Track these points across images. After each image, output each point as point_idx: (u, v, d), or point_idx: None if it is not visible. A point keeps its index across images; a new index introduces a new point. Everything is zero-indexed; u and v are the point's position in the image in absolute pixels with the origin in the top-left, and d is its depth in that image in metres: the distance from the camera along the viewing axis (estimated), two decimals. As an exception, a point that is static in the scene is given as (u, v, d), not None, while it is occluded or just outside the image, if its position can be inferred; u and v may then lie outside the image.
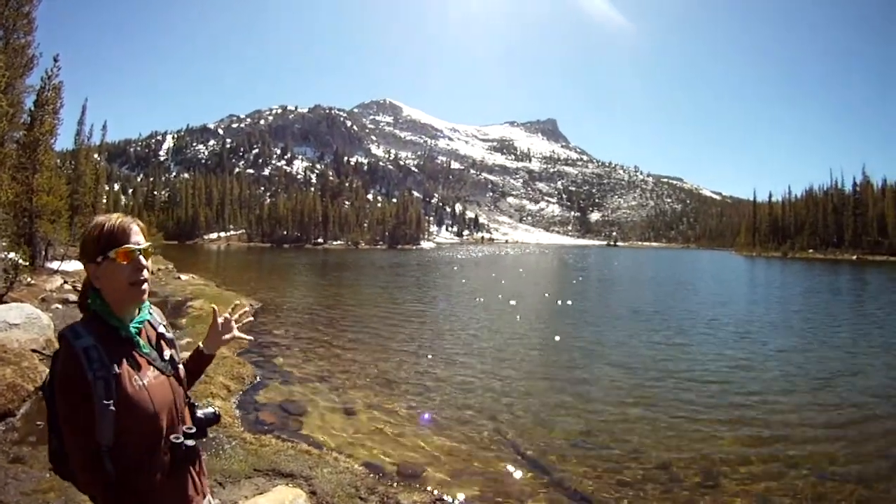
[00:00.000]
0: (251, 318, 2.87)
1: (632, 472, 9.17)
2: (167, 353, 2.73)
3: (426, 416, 11.58)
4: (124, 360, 2.50)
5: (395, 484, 8.21)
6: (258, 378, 13.72)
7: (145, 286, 2.65)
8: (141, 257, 2.62)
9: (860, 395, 13.96)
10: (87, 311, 2.62)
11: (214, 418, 2.88)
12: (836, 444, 10.52)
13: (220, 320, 3.04)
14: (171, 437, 2.58)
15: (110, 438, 2.37)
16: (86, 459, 2.37)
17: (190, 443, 2.63)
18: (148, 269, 2.67)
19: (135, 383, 2.48)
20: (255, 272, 55.97)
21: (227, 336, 3.07)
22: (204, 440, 2.85)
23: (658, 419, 11.75)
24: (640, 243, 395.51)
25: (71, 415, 2.37)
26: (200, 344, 3.03)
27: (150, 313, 2.80)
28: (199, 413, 2.85)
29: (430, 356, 17.22)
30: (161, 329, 2.79)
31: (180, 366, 2.80)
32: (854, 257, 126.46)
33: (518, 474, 8.94)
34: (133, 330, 2.62)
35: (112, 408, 2.36)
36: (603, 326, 24.09)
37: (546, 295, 38.25)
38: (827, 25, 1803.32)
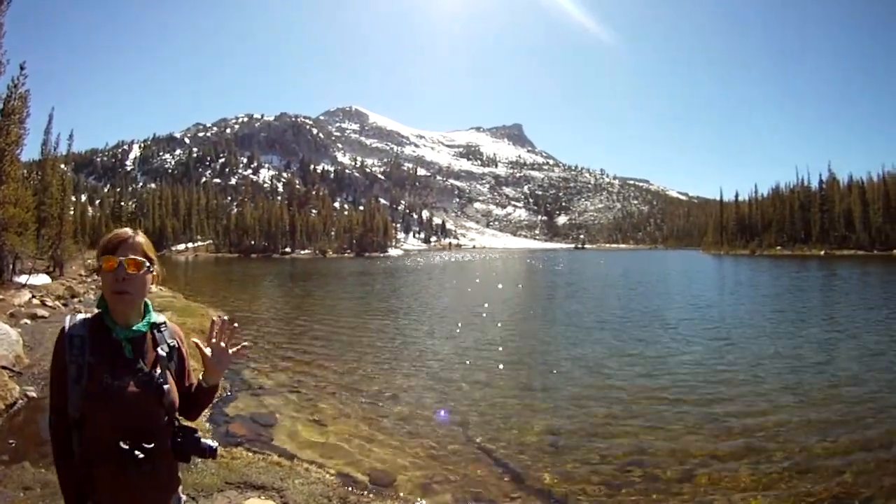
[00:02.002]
0: (235, 325, 2.26)
1: (606, 472, 9.22)
2: (157, 370, 2.82)
3: (396, 423, 11.55)
4: (104, 358, 2.68)
5: (367, 493, 8.21)
6: (228, 390, 13.65)
7: (126, 297, 2.77)
8: (126, 268, 2.74)
9: (833, 388, 14.10)
10: (97, 311, 2.83)
11: (206, 450, 2.92)
12: (811, 438, 10.62)
13: (207, 351, 3.02)
14: (121, 443, 2.64)
15: (76, 413, 2.61)
16: (56, 424, 2.67)
17: (140, 454, 2.66)
18: (132, 281, 2.78)
19: (104, 381, 2.64)
20: (222, 283, 55.88)
21: (224, 361, 3.06)
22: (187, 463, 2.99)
23: (631, 419, 11.81)
24: (607, 245, 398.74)
25: (52, 383, 2.68)
26: (200, 376, 3.07)
27: (161, 330, 2.95)
28: (203, 442, 2.92)
29: (399, 364, 17.26)
30: (160, 349, 2.89)
31: (166, 386, 2.84)
32: (822, 252, 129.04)
33: (491, 479, 8.96)
34: (124, 335, 2.77)
35: (78, 390, 2.60)
36: (574, 330, 24.10)
37: (516, 300, 38.43)
38: (789, 25, 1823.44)
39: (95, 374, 2.65)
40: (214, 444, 2.98)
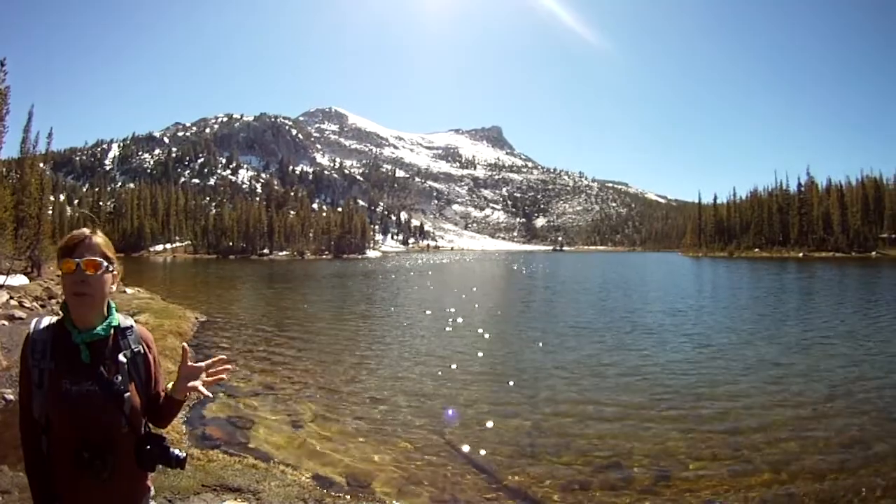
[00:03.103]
0: (229, 368, 2.47)
1: (582, 473, 9.29)
2: (118, 377, 2.77)
3: (373, 424, 11.61)
4: (63, 363, 2.67)
5: (343, 495, 8.25)
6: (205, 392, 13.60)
7: (86, 298, 2.72)
8: (83, 270, 2.69)
9: (810, 389, 14.29)
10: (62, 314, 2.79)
11: (173, 460, 2.90)
12: (788, 438, 10.74)
13: (189, 363, 2.99)
14: (81, 451, 2.64)
15: (41, 416, 2.62)
16: (25, 426, 2.69)
17: (96, 462, 2.66)
18: (90, 282, 2.72)
19: (63, 385, 2.64)
20: (200, 285, 55.61)
21: (192, 384, 2.97)
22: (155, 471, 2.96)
23: (606, 420, 11.89)
24: (585, 247, 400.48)
25: (21, 387, 2.72)
26: (169, 386, 3.02)
27: (127, 334, 2.90)
28: (171, 451, 2.90)
29: (375, 366, 17.34)
30: (122, 355, 2.83)
31: (126, 394, 2.79)
32: (801, 255, 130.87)
33: (467, 480, 9.02)
34: (81, 339, 2.70)
35: (40, 393, 2.62)
36: (551, 332, 24.14)
37: (492, 303, 38.44)
38: (769, 28, 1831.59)
39: (55, 380, 2.64)
40: (183, 454, 2.94)
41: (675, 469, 9.37)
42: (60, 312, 2.83)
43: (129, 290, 36.08)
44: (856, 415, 12.18)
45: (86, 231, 2.81)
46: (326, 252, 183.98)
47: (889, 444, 10.39)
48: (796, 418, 11.96)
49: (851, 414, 12.28)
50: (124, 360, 2.84)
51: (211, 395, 3.00)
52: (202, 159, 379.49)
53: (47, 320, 2.79)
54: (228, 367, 3.12)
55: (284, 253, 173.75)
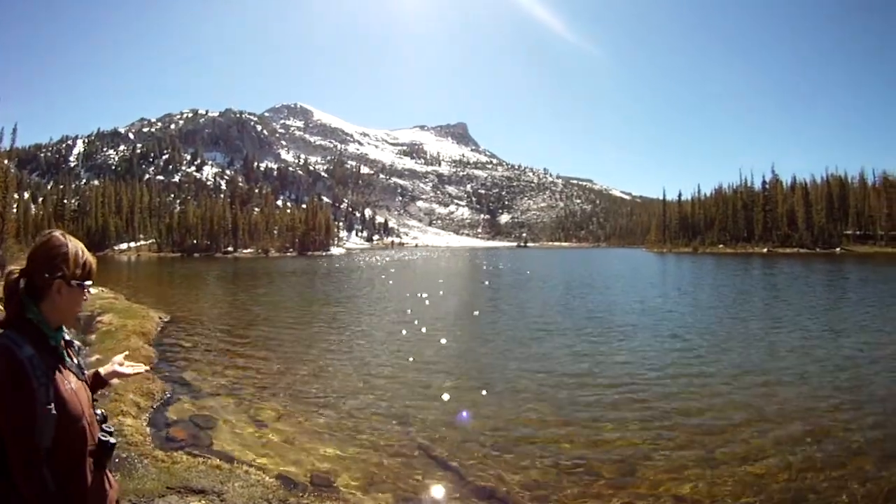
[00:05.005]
0: (142, 370, 3.23)
1: (549, 472, 9.33)
2: (76, 360, 2.88)
3: (337, 423, 11.65)
4: (57, 367, 2.67)
5: (307, 494, 8.30)
6: (168, 393, 13.62)
7: None
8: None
9: (773, 384, 14.48)
10: (18, 319, 2.68)
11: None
12: (753, 434, 10.91)
13: (115, 364, 3.20)
14: (99, 434, 2.79)
15: (49, 442, 2.53)
16: (27, 461, 2.49)
17: (113, 440, 2.85)
18: None
19: (66, 387, 2.65)
20: (164, 283, 55.52)
21: (112, 381, 3.22)
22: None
23: (574, 420, 11.93)
24: (550, 243, 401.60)
25: (15, 419, 2.48)
26: (100, 370, 3.17)
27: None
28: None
29: (340, 365, 17.32)
30: (68, 337, 2.89)
31: (86, 372, 2.94)
32: (765, 250, 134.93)
33: (431, 478, 9.09)
34: (57, 340, 2.76)
35: (54, 411, 2.54)
36: (515, 331, 24.21)
37: (457, 301, 38.63)
38: (736, 26, 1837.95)
39: (59, 387, 2.61)
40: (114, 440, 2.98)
41: (644, 468, 9.47)
42: (28, 317, 2.72)
43: (92, 290, 36.47)
44: (830, 411, 12.42)
45: (89, 255, 2.89)
46: (291, 249, 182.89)
47: (863, 437, 10.68)
48: (763, 416, 12.13)
49: (822, 410, 12.54)
50: (73, 341, 2.95)
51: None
52: (167, 155, 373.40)
53: (16, 337, 2.63)
54: (144, 370, 3.40)
55: (249, 250, 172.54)
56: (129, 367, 3.19)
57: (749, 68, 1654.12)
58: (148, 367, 3.45)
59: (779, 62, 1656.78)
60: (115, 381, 3.21)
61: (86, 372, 2.94)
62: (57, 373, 2.65)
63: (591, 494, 8.57)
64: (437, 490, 8.72)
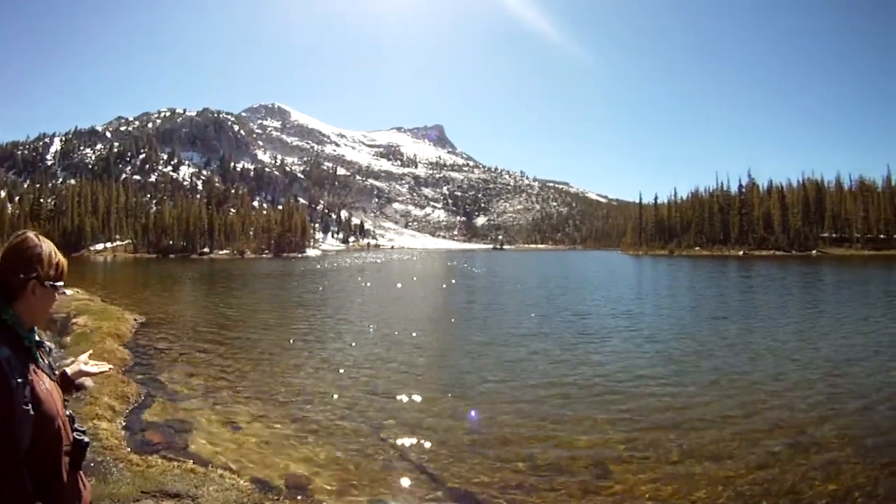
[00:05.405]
0: (106, 369, 3.16)
1: (522, 473, 9.40)
2: (47, 360, 2.85)
3: (312, 427, 11.64)
4: (31, 368, 2.62)
5: (281, 498, 8.32)
6: (143, 396, 13.53)
7: None
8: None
9: (748, 385, 14.58)
10: None
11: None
12: (727, 435, 11.00)
13: (81, 363, 3.16)
14: (73, 433, 2.78)
15: (27, 444, 2.49)
16: (8, 462, 2.45)
17: (86, 439, 2.85)
18: None
19: (42, 387, 2.61)
20: (140, 285, 55.17)
21: (83, 381, 3.16)
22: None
23: (545, 420, 12.04)
24: (526, 246, 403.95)
25: None
26: (67, 370, 3.13)
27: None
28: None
29: (314, 368, 17.30)
30: (37, 338, 2.84)
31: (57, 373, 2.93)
32: (741, 253, 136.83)
33: (405, 480, 9.13)
34: (30, 340, 2.72)
35: (31, 412, 2.50)
36: (490, 333, 24.22)
37: (432, 304, 38.75)
38: (712, 29, 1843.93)
39: (35, 388, 2.59)
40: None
41: (617, 469, 9.55)
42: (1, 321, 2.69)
43: (68, 292, 33.80)
44: (803, 409, 12.58)
45: (61, 256, 2.89)
46: (266, 251, 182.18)
47: (838, 434, 10.91)
48: (737, 417, 12.24)
49: (798, 408, 12.65)
50: (43, 341, 2.91)
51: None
52: (144, 155, 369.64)
53: None
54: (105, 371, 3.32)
55: (225, 252, 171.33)
56: (94, 366, 3.19)
57: (728, 73, 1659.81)
58: (112, 367, 3.57)
59: (757, 66, 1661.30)
60: (89, 383, 3.19)
61: (57, 372, 2.94)
62: (32, 374, 2.61)
63: (564, 495, 8.66)
64: (412, 492, 8.80)
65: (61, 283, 2.85)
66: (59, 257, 2.86)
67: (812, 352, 19.30)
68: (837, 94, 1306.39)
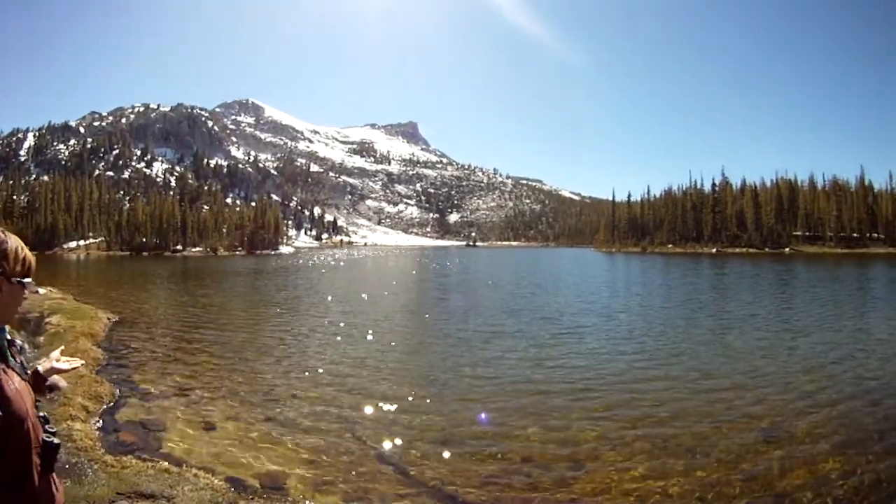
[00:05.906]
0: (77, 365, 3.14)
1: (497, 469, 9.45)
2: (18, 359, 2.79)
3: (287, 425, 11.62)
4: (1, 367, 2.56)
5: (256, 497, 8.31)
6: (117, 396, 13.41)
7: None
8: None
9: (723, 381, 14.65)
10: None
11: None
12: (700, 426, 11.24)
13: (53, 360, 3.13)
14: (43, 435, 2.69)
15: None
16: None
17: (57, 440, 2.77)
18: None
19: (10, 387, 2.51)
20: (113, 283, 54.24)
21: (55, 381, 3.14)
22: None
23: (520, 417, 12.06)
24: (499, 243, 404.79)
25: None
26: (38, 367, 3.10)
27: None
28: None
29: (289, 367, 17.21)
30: (8, 337, 2.80)
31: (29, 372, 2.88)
32: (714, 250, 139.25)
33: (381, 478, 9.15)
34: (1, 339, 2.67)
35: (0, 413, 2.40)
36: (464, 331, 24.27)
37: (405, 301, 38.91)
38: (688, 27, 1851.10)
39: (4, 388, 2.51)
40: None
41: (591, 464, 9.59)
42: None
43: (41, 290, 34.62)
44: (779, 405, 12.67)
45: (28, 251, 2.81)
46: (240, 248, 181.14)
47: (807, 424, 11.21)
48: (712, 411, 12.38)
49: (774, 403, 12.75)
50: (15, 340, 2.87)
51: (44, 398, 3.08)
52: (117, 151, 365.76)
53: None
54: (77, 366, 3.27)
55: (198, 249, 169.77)
56: (66, 363, 3.17)
57: (704, 73, 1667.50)
58: (83, 362, 3.57)
59: (734, 67, 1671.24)
60: (62, 384, 3.17)
61: (28, 371, 2.91)
62: (2, 373, 2.55)
63: (540, 490, 8.71)
64: (387, 489, 8.81)
65: (29, 280, 2.75)
66: (27, 252, 2.75)
67: (787, 348, 19.57)
68: (813, 96, 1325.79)
